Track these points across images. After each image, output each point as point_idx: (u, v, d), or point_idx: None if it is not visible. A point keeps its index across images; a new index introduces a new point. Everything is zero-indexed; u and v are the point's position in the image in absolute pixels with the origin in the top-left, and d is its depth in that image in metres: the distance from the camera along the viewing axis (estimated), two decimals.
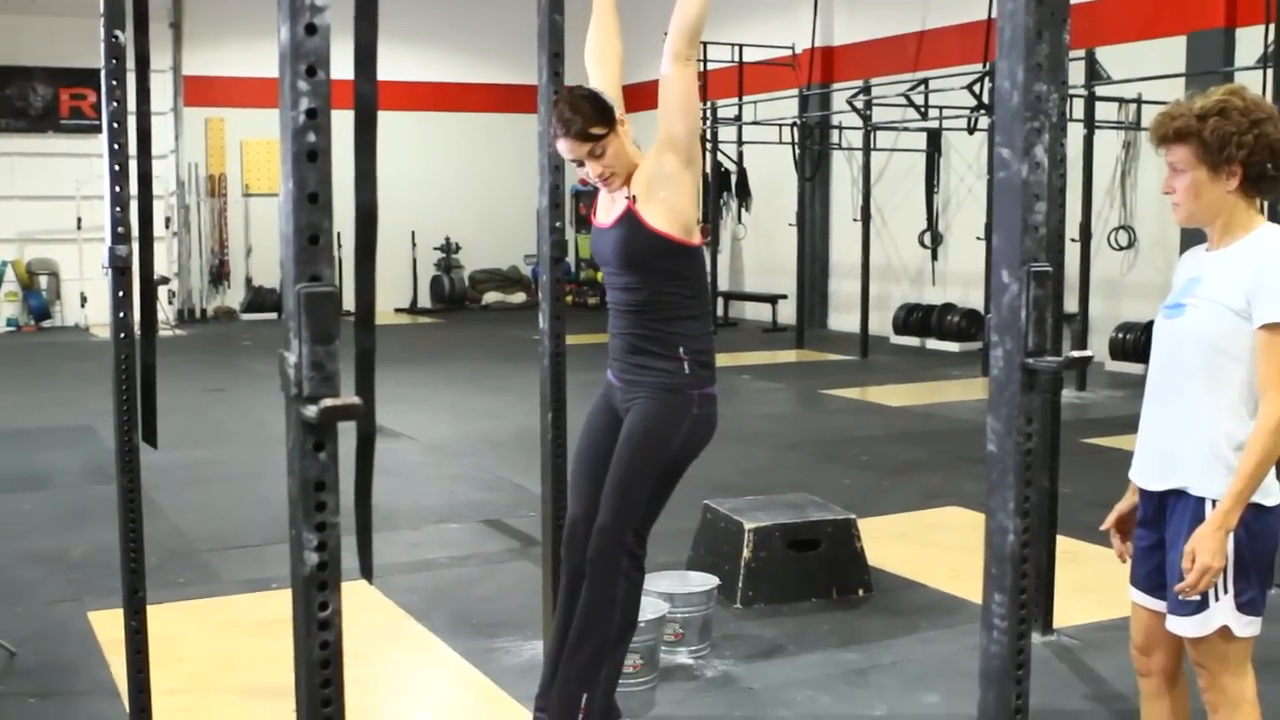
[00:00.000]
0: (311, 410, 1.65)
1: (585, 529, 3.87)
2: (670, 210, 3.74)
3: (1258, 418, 2.89)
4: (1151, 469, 3.11)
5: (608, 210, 3.90)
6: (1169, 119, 2.99)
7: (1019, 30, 1.94)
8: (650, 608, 4.50)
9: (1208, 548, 2.86)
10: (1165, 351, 3.08)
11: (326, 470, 1.72)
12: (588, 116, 3.76)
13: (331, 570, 1.78)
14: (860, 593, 5.61)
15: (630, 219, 3.77)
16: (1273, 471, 2.98)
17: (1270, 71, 5.65)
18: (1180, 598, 2.95)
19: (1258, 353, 2.90)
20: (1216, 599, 2.93)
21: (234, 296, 19.80)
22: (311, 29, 1.60)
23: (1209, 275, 3.01)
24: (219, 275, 19.73)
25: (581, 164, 3.82)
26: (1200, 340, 2.97)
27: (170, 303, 18.71)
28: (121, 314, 3.69)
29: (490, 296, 21.68)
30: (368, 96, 1.66)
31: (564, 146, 3.81)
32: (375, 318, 1.80)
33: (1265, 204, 3.07)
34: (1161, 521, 3.08)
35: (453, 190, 21.07)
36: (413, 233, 20.76)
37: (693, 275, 3.85)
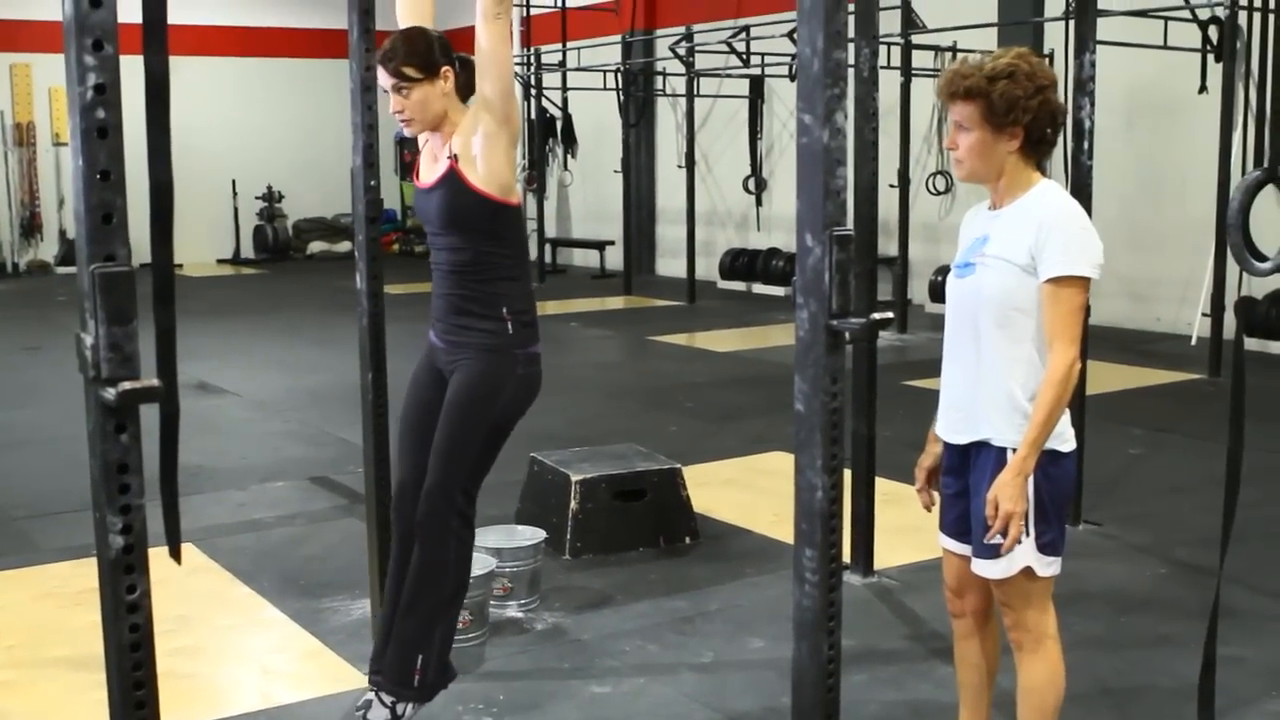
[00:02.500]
0: (110, 393, 1.63)
1: (413, 493, 3.85)
2: (488, 170, 3.72)
3: (1047, 368, 3.02)
4: (954, 424, 3.22)
5: (430, 170, 3.87)
6: (959, 78, 3.07)
7: None
8: (478, 563, 4.50)
9: (1008, 494, 2.98)
10: (958, 309, 3.19)
11: (129, 452, 1.69)
12: (408, 55, 3.72)
13: (138, 552, 1.75)
14: (687, 540, 5.69)
15: (451, 178, 3.75)
16: (1066, 418, 3.11)
17: (1073, 22, 5.80)
18: (987, 542, 3.06)
19: (1044, 306, 3.02)
20: (1019, 542, 3.04)
21: (47, 250, 19.15)
22: (96, 2, 1.56)
23: (995, 233, 3.12)
24: (30, 228, 19.05)
25: (390, 94, 3.79)
26: (991, 297, 3.08)
27: None
28: None
29: (315, 246, 21.32)
30: (158, 70, 1.62)
31: (380, 74, 3.79)
32: (175, 294, 1.77)
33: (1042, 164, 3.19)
34: (966, 470, 3.19)
35: (274, 138, 20.62)
36: (234, 181, 20.31)
37: (512, 235, 3.84)
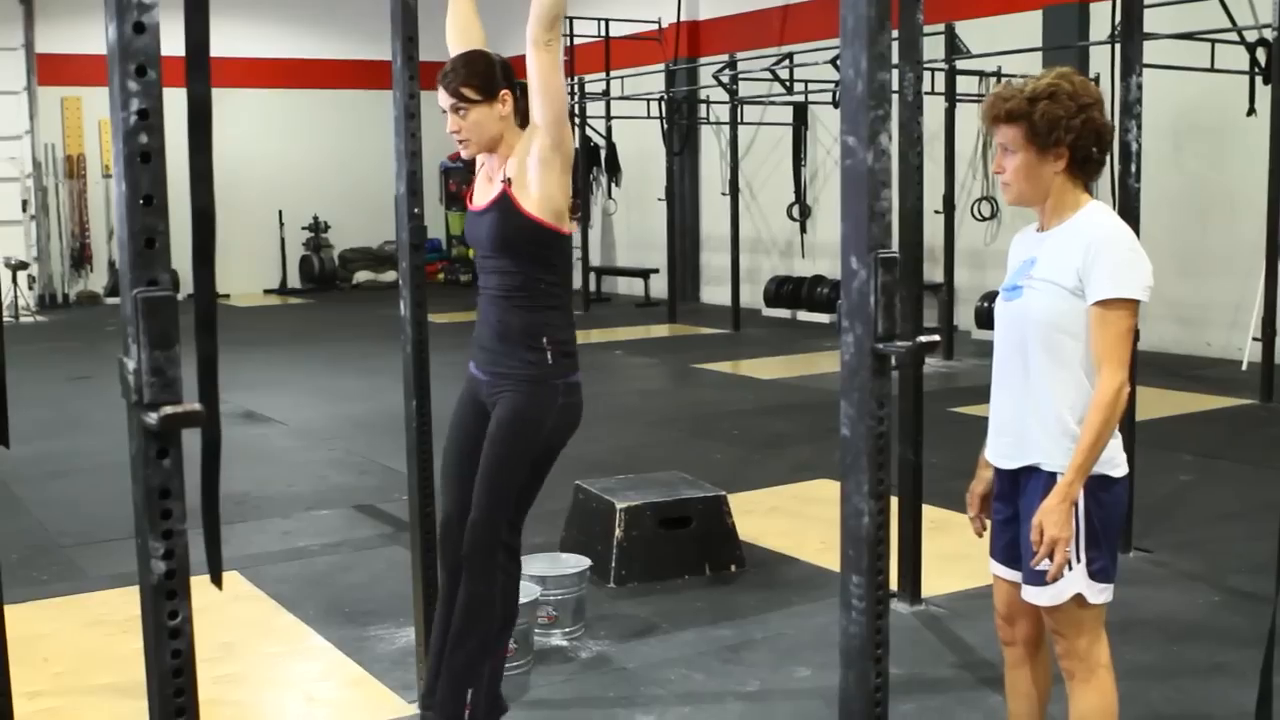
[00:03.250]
0: (153, 417, 1.62)
1: (459, 526, 3.85)
2: (542, 196, 3.73)
3: (1094, 392, 2.98)
4: (1003, 449, 3.18)
5: (484, 193, 3.88)
6: (1001, 101, 3.06)
7: (861, 20, 1.95)
8: (523, 591, 4.49)
9: (1054, 520, 2.94)
10: (1007, 333, 3.16)
11: (171, 477, 1.69)
12: (468, 76, 3.76)
13: (180, 578, 1.75)
14: (733, 568, 5.66)
15: (504, 201, 3.76)
16: (1118, 443, 3.07)
17: (1119, 46, 5.77)
18: (1032, 567, 3.02)
19: (1091, 329, 2.99)
20: (1070, 568, 3.00)
21: (97, 280, 19.35)
22: (140, 27, 1.56)
23: (1043, 256, 3.09)
24: (80, 259, 19.26)
25: (446, 114, 3.83)
26: (1039, 320, 3.05)
27: (30, 288, 18.17)
28: None
29: (361, 275, 21.45)
30: (202, 96, 1.62)
31: (439, 95, 3.81)
32: (217, 320, 1.77)
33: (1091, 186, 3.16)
34: (1016, 495, 3.15)
35: (320, 168, 20.78)
36: (280, 212, 20.47)
37: (560, 263, 3.85)
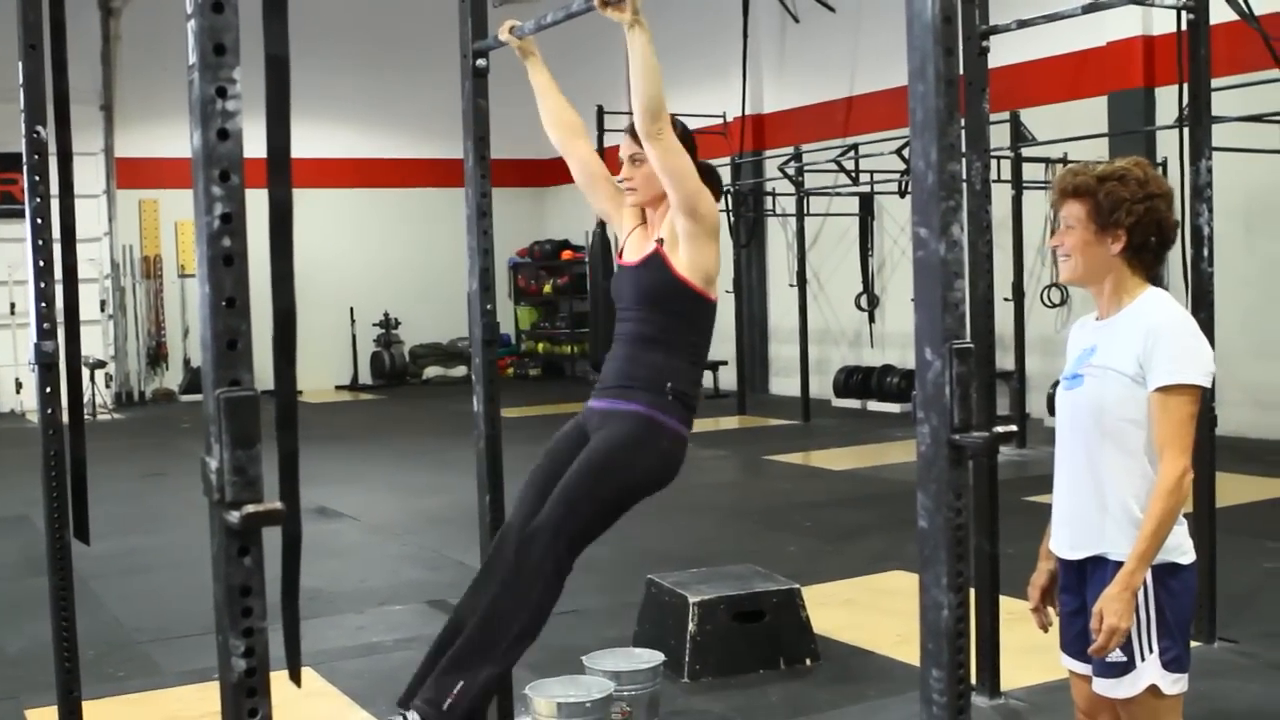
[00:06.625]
0: (234, 516, 1.64)
1: (515, 536, 3.85)
2: (692, 261, 3.91)
3: (1157, 479, 2.95)
4: (1068, 539, 3.15)
5: (636, 250, 4.07)
6: (1072, 175, 3.10)
7: (930, 112, 1.96)
8: (596, 686, 4.47)
9: (1114, 609, 2.90)
10: (1069, 422, 3.14)
11: (252, 575, 1.71)
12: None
13: (260, 675, 1.76)
14: (808, 662, 5.59)
15: (656, 259, 3.95)
16: (1184, 529, 3.03)
17: (1187, 130, 5.75)
18: (1091, 654, 2.98)
19: (1153, 415, 2.96)
20: (1143, 659, 2.95)
21: (172, 378, 19.63)
22: (224, 134, 1.60)
23: (1102, 344, 3.10)
24: (156, 357, 19.56)
25: (622, 164, 4.06)
26: (1100, 408, 3.04)
27: (107, 386, 18.47)
28: (49, 409, 3.65)
29: (431, 371, 21.60)
30: (283, 200, 1.66)
31: (622, 139, 4.08)
32: (297, 418, 1.79)
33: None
34: (1083, 587, 3.11)
35: (391, 265, 21.03)
36: (351, 309, 20.70)
37: (701, 325, 4.01)
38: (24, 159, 3.62)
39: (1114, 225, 3.04)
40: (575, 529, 3.80)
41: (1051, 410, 12.55)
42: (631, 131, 4.00)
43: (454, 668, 3.80)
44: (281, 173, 1.68)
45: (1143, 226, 3.04)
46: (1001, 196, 9.75)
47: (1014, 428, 2.30)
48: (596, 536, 3.91)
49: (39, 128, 3.61)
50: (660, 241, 3.96)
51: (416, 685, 3.90)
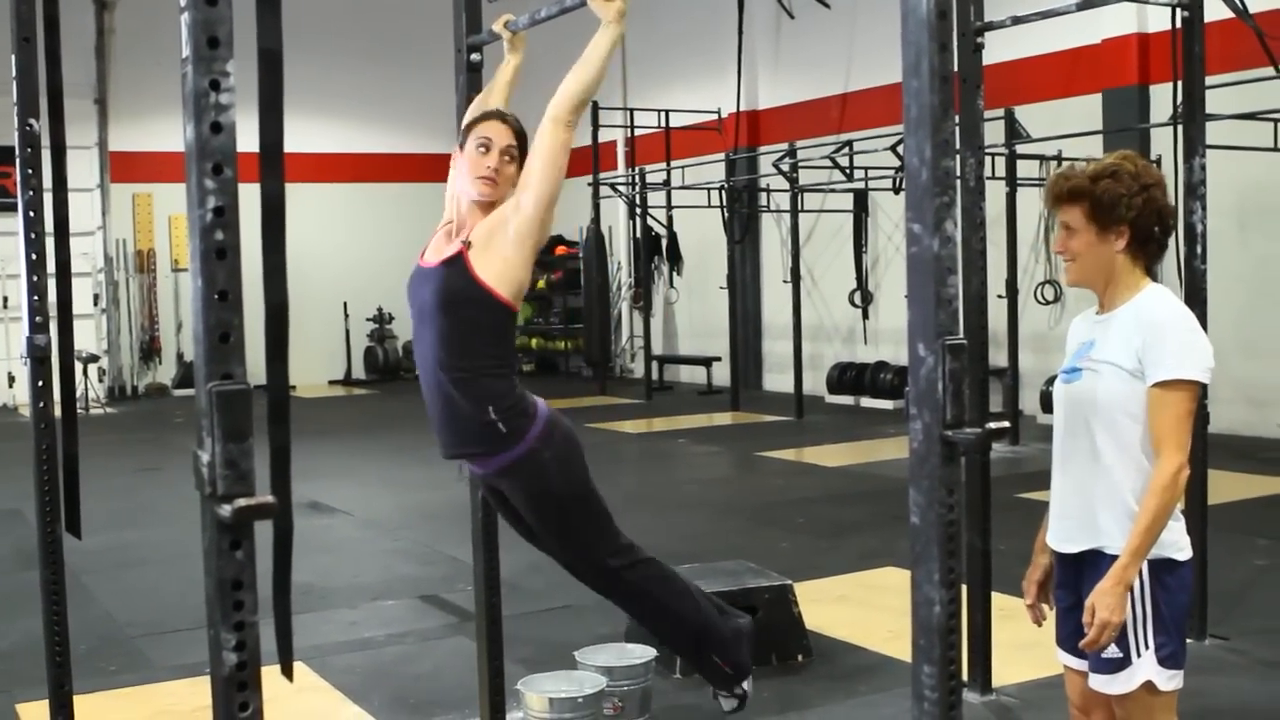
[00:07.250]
0: (226, 509, 1.64)
1: (583, 578, 4.08)
2: (505, 269, 3.69)
3: (1152, 475, 2.95)
4: (1065, 532, 3.15)
5: (437, 252, 3.85)
6: (1063, 180, 3.08)
7: (924, 109, 1.96)
8: (588, 681, 4.47)
9: (1107, 603, 2.90)
10: (1066, 416, 3.15)
11: (243, 569, 1.70)
12: (524, 135, 3.83)
13: (251, 669, 1.75)
14: (800, 658, 5.60)
15: (458, 263, 3.72)
16: (1181, 526, 3.04)
17: (1181, 128, 5.76)
18: (1082, 648, 2.99)
19: (1150, 410, 2.96)
20: (1138, 655, 2.96)
21: (165, 372, 19.60)
22: (217, 127, 1.60)
23: (1101, 338, 3.09)
24: (149, 351, 19.53)
25: (487, 150, 3.77)
26: (1098, 403, 3.04)
27: (100, 380, 18.44)
28: (41, 403, 3.65)
29: None
30: (275, 194, 1.66)
31: (497, 127, 3.79)
32: (290, 413, 1.79)
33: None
34: (1079, 581, 3.11)
35: (384, 260, 20.94)
36: (345, 304, 20.69)
37: (504, 338, 3.81)
38: (17, 152, 3.61)
39: (1116, 222, 3.03)
40: (600, 550, 3.92)
41: (1045, 407, 12.57)
42: (505, 119, 3.80)
43: (699, 656, 4.13)
44: (274, 167, 1.68)
45: (1144, 218, 3.04)
46: (995, 193, 9.73)
47: (1006, 424, 2.30)
48: (611, 520, 3.97)
49: (32, 121, 3.61)
50: (466, 245, 3.72)
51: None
